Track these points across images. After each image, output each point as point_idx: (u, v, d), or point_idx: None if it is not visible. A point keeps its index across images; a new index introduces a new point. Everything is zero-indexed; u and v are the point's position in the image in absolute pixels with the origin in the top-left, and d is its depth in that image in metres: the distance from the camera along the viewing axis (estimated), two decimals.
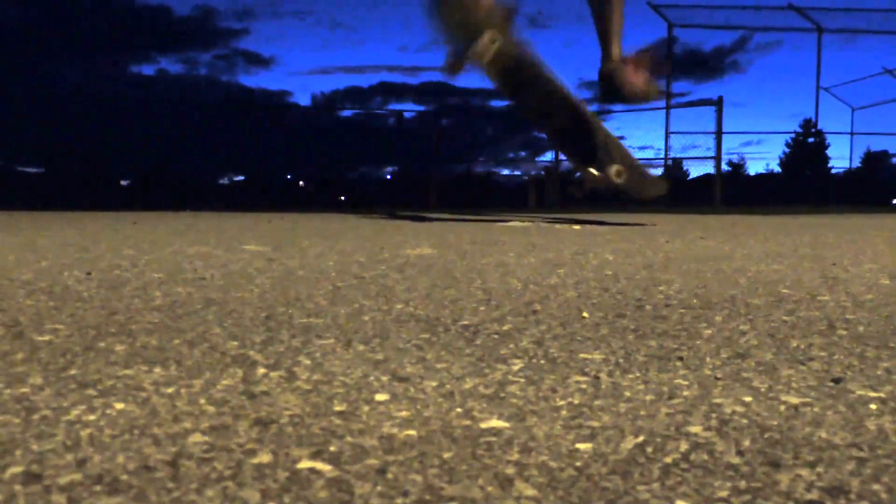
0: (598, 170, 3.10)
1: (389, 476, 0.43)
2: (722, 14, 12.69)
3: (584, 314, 0.96)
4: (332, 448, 0.47)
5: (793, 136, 17.42)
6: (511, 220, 3.46)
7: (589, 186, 3.10)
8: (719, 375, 0.66)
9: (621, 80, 3.00)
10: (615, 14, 3.06)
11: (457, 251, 1.81)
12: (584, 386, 0.63)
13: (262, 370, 0.66)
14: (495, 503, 0.40)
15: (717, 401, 0.59)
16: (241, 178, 13.30)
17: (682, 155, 11.29)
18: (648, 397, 0.59)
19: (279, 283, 1.21)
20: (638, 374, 0.66)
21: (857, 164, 15.34)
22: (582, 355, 0.74)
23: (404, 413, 0.55)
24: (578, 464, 0.45)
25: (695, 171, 10.83)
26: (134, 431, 0.50)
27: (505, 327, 0.87)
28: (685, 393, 0.61)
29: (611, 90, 3.05)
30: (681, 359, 0.72)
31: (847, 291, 1.18)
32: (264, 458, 0.45)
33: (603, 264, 1.54)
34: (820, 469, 0.45)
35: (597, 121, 3.24)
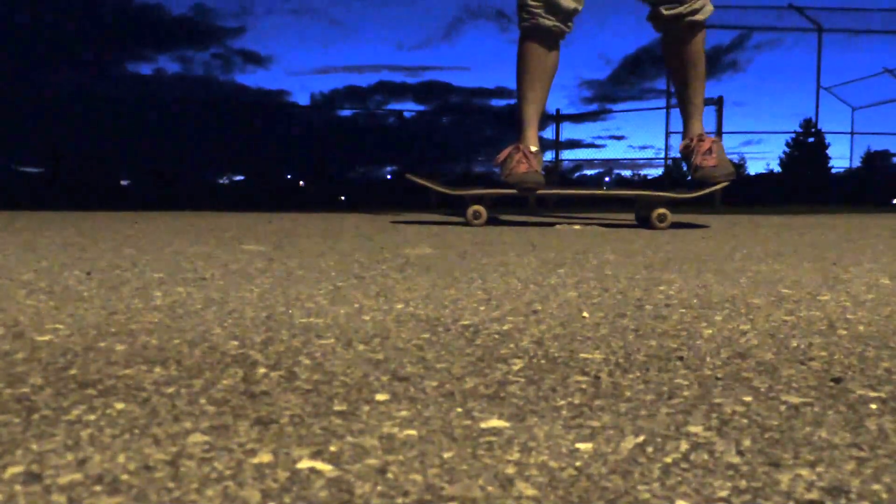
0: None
1: (389, 476, 0.43)
2: (722, 13, 12.70)
3: (585, 314, 0.96)
4: (332, 448, 0.47)
5: (793, 135, 17.44)
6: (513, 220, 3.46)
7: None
8: (719, 375, 0.66)
9: (693, 159, 3.00)
10: (696, 92, 3.04)
11: (457, 251, 1.81)
12: (584, 386, 0.63)
13: (262, 370, 0.66)
14: (495, 503, 0.40)
15: (718, 400, 0.59)
16: (240, 177, 13.30)
17: None
18: (648, 397, 0.59)
19: (279, 283, 1.21)
20: (638, 374, 0.66)
21: (857, 164, 15.35)
22: (582, 355, 0.74)
23: (404, 413, 0.55)
24: (578, 464, 0.45)
25: None
26: (134, 431, 0.50)
27: (505, 327, 0.87)
28: (685, 393, 0.61)
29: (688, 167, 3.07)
30: (681, 358, 0.73)
31: (847, 291, 1.18)
32: (264, 457, 0.46)
33: (603, 264, 1.54)
34: (820, 469, 0.45)
35: None
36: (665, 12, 2.97)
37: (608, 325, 0.89)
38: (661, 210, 2.92)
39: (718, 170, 2.96)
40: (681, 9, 2.93)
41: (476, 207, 3.01)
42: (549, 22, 2.95)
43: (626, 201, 3.18)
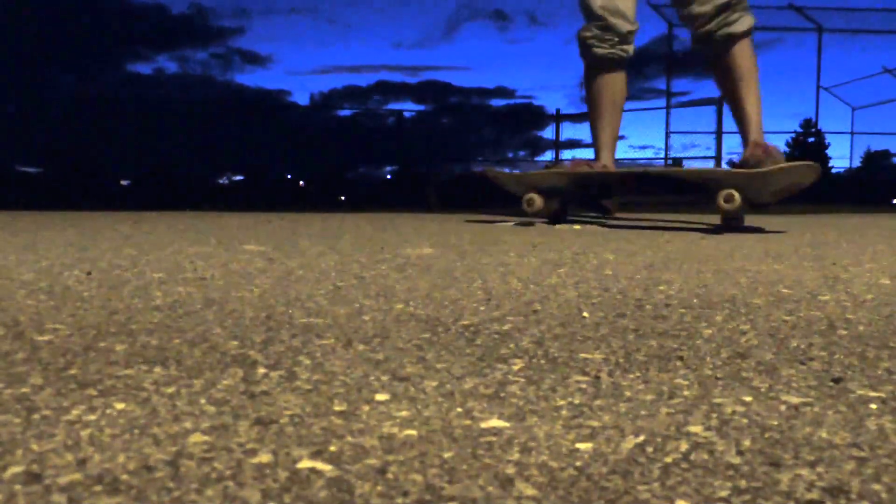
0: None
1: (389, 476, 0.43)
2: None
3: (585, 314, 0.96)
4: (332, 448, 0.47)
5: (793, 136, 17.42)
6: (512, 221, 3.46)
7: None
8: (719, 375, 0.66)
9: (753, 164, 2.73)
10: (749, 93, 2.80)
11: (457, 251, 1.81)
12: (584, 386, 0.63)
13: (262, 370, 0.66)
14: (495, 503, 0.40)
15: (718, 400, 0.59)
16: (240, 177, 13.29)
17: (683, 154, 11.30)
18: (649, 397, 0.59)
19: (279, 283, 1.21)
20: (638, 374, 0.66)
21: (857, 163, 15.35)
22: (582, 355, 0.74)
23: (404, 413, 0.55)
24: (578, 464, 0.45)
25: None
26: (134, 431, 0.50)
27: (505, 327, 0.87)
28: (685, 392, 0.61)
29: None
30: (681, 358, 0.73)
31: (847, 291, 1.18)
32: (264, 457, 0.45)
33: (603, 264, 1.54)
34: (820, 469, 0.45)
35: None
36: (697, 31, 2.84)
37: (608, 325, 0.89)
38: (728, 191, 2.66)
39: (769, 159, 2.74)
40: (711, 26, 2.80)
41: (532, 195, 3.07)
42: (602, 50, 2.91)
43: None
